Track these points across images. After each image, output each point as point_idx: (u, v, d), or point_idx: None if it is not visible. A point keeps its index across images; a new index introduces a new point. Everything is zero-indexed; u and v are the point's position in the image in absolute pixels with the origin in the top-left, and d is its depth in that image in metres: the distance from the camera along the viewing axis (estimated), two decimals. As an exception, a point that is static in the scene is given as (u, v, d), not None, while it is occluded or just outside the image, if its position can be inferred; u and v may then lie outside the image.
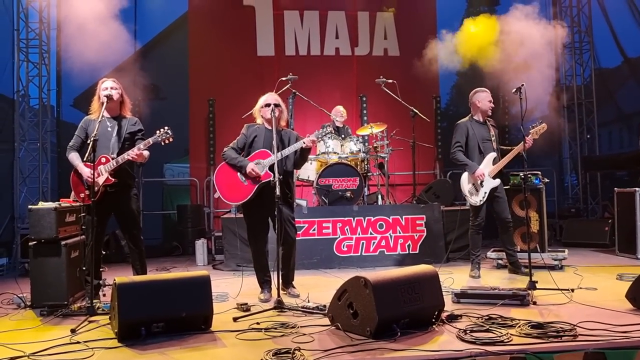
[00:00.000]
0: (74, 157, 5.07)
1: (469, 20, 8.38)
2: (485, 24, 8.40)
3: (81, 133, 5.13)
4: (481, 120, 6.09)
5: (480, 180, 5.90)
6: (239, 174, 5.15)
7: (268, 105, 5.15)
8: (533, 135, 5.76)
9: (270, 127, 5.14)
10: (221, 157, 5.32)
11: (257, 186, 5.07)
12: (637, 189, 7.25)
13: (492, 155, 5.95)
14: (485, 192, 5.92)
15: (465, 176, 6.05)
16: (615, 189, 7.67)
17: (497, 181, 5.93)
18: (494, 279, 5.96)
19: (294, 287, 5.27)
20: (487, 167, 5.93)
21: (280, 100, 5.29)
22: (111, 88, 5.04)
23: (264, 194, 5.04)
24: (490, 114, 6.07)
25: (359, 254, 7.11)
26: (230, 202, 5.30)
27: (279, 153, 4.98)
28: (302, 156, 5.28)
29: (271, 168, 5.01)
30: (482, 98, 6.04)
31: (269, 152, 5.08)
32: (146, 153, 5.04)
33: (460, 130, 6.07)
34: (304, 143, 5.08)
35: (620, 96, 11.96)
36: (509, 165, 6.18)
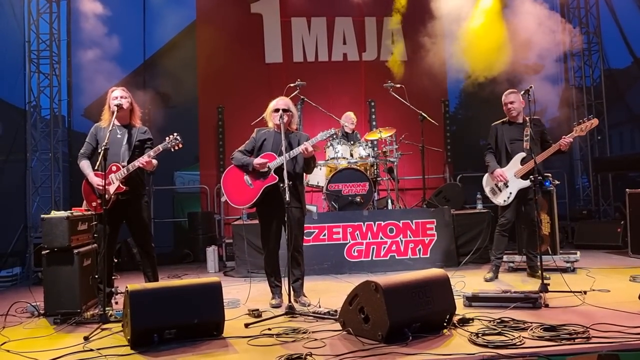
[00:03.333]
0: (84, 166, 5.12)
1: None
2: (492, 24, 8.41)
3: (92, 140, 5.18)
4: (515, 121, 6.04)
5: (503, 182, 5.91)
6: (245, 176, 5.16)
7: (277, 110, 5.17)
8: (578, 132, 5.59)
9: (279, 131, 5.16)
10: (230, 160, 5.36)
11: (262, 189, 5.08)
12: (649, 189, 7.19)
13: (520, 155, 5.88)
14: (511, 193, 5.89)
15: (486, 177, 6.14)
16: (627, 190, 7.61)
17: (527, 182, 5.74)
18: (507, 281, 5.94)
19: (305, 296, 5.23)
20: (513, 167, 5.91)
21: (290, 104, 5.29)
22: (121, 97, 5.08)
23: (274, 198, 5.03)
24: (515, 114, 5.97)
25: (369, 259, 7.10)
26: (236, 205, 5.31)
27: (286, 154, 4.96)
28: (305, 163, 5.26)
29: (277, 171, 5.03)
30: (503, 101, 6.06)
31: (275, 155, 5.10)
32: (154, 162, 5.07)
33: (490, 133, 6.20)
34: (305, 149, 5.02)
35: (630, 97, 11.88)
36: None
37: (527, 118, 5.91)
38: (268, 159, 5.11)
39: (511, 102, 5.96)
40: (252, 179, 5.15)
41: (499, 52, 8.37)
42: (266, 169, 5.07)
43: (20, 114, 9.16)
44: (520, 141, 5.90)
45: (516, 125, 6.02)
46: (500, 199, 5.97)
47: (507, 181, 5.91)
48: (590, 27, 11.03)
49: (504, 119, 6.14)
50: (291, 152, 5.06)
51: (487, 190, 6.12)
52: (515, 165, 5.90)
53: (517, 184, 5.88)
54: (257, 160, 5.09)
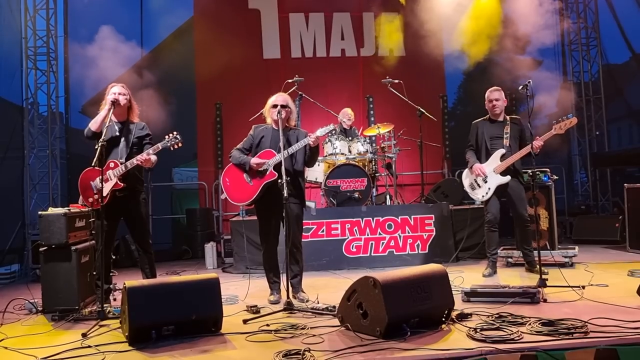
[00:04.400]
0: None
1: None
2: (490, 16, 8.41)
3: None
4: (497, 119, 6.05)
5: (483, 177, 5.92)
6: (245, 174, 5.16)
7: (275, 106, 5.15)
8: (557, 130, 5.55)
9: (277, 127, 5.14)
10: (228, 158, 5.36)
11: (262, 186, 5.07)
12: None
13: (500, 152, 5.91)
14: (489, 188, 5.92)
15: (465, 172, 6.23)
16: (625, 184, 7.61)
17: (506, 178, 5.85)
18: (505, 276, 5.94)
19: (303, 292, 5.22)
20: (493, 163, 5.92)
21: (289, 100, 5.27)
22: (119, 94, 5.06)
23: (273, 194, 5.01)
24: (498, 112, 5.99)
25: (368, 255, 7.10)
26: (236, 202, 5.30)
27: (285, 151, 4.95)
28: (311, 154, 5.23)
29: (276, 168, 5.02)
30: (485, 98, 6.08)
31: (274, 152, 5.09)
32: (154, 158, 5.05)
33: (471, 130, 6.22)
34: (311, 141, 5.04)
35: (629, 92, 11.87)
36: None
37: (508, 117, 5.97)
38: (267, 157, 5.10)
39: (496, 99, 5.99)
40: (252, 177, 5.14)
41: (497, 45, 8.37)
42: (263, 168, 5.07)
43: (18, 111, 9.14)
44: (500, 139, 5.97)
45: (497, 123, 6.05)
46: (479, 194, 6.02)
47: (485, 176, 5.93)
48: (588, 22, 11.00)
49: (485, 117, 6.15)
50: (290, 148, 5.05)
51: (466, 184, 6.18)
52: (494, 162, 5.92)
53: (495, 180, 5.90)
54: (254, 160, 5.09)
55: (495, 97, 5.99)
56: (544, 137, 5.61)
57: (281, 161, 4.86)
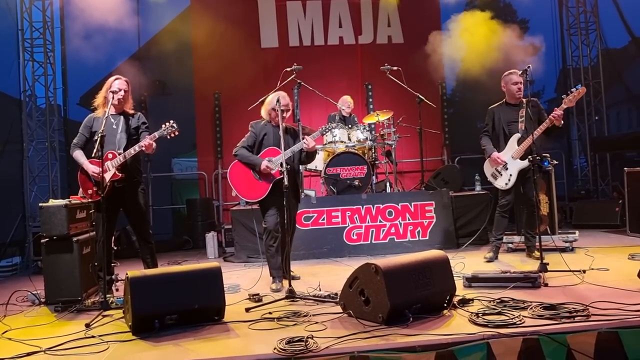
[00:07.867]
0: (78, 155, 5.11)
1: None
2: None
3: (85, 131, 5.16)
4: (513, 102, 5.97)
5: (502, 165, 5.88)
6: (252, 171, 5.27)
7: (280, 109, 5.21)
8: (567, 103, 5.48)
9: (276, 125, 5.26)
10: (233, 156, 5.42)
11: (272, 183, 5.21)
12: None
13: (516, 136, 5.83)
14: (511, 175, 5.84)
15: (486, 163, 6.11)
16: (625, 168, 7.60)
17: (526, 162, 5.65)
18: (506, 262, 5.95)
19: (291, 271, 5.25)
20: (510, 149, 5.86)
21: (289, 102, 5.40)
22: (122, 90, 5.08)
23: (278, 189, 5.11)
24: (522, 94, 5.86)
25: (368, 242, 7.11)
26: (248, 199, 5.42)
27: (287, 151, 5.10)
28: (306, 157, 5.42)
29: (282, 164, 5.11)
30: (507, 81, 5.94)
31: (279, 149, 5.16)
32: (154, 144, 5.05)
33: (488, 115, 6.13)
34: (305, 144, 5.19)
35: (628, 76, 11.84)
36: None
37: (524, 100, 5.89)
38: (272, 154, 5.25)
39: (521, 82, 5.86)
40: (260, 174, 5.26)
41: (496, 32, 8.34)
42: (271, 170, 5.20)
43: (16, 104, 9.11)
44: (516, 122, 5.88)
45: (513, 107, 5.97)
46: (502, 182, 5.92)
47: (505, 164, 5.89)
48: (587, 6, 10.94)
49: (501, 102, 6.10)
50: (289, 150, 5.20)
51: (488, 175, 6.08)
52: (512, 147, 5.86)
53: (516, 166, 5.84)
54: (265, 165, 5.19)
55: (521, 80, 5.82)
56: (560, 108, 5.48)
57: (283, 157, 4.97)
